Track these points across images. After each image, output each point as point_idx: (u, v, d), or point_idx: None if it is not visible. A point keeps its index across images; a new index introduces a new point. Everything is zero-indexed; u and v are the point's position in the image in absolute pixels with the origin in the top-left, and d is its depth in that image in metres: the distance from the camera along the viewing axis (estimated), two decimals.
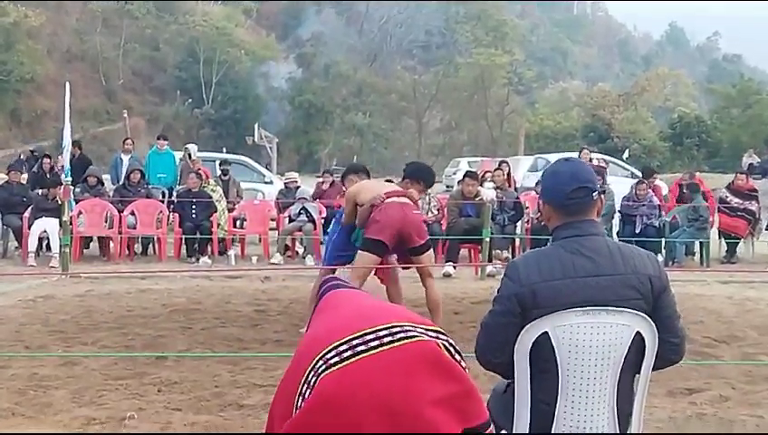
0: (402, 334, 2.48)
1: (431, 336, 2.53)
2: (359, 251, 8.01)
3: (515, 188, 16.70)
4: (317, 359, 2.47)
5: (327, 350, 2.46)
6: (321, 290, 2.96)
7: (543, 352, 3.35)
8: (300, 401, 2.47)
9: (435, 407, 2.41)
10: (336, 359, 2.44)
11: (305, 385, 2.46)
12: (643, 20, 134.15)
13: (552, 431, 3.40)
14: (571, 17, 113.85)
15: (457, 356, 2.57)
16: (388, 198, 7.90)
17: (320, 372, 2.44)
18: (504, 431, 3.44)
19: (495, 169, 16.20)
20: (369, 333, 2.47)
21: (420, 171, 8.60)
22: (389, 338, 2.46)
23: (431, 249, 8.21)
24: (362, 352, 2.44)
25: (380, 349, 2.44)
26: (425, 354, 2.47)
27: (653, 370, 3.54)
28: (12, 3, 52.61)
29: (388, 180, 9.31)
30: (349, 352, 2.44)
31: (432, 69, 71.03)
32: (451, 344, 2.57)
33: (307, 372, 2.47)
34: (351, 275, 8.02)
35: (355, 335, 2.47)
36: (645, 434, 3.67)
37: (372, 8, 76.23)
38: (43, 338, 8.12)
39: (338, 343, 2.47)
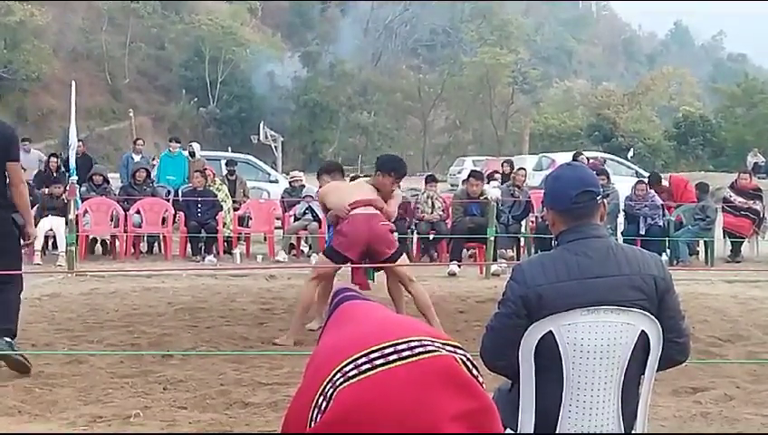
0: (421, 349, 2.48)
1: (449, 351, 2.53)
2: (321, 253, 8.21)
3: None
4: (335, 371, 2.46)
5: (345, 362, 2.46)
6: (334, 301, 2.95)
7: (548, 352, 3.37)
8: (316, 412, 2.47)
9: (452, 423, 2.42)
10: (354, 372, 2.43)
11: (321, 397, 2.46)
12: (648, 19, 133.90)
13: (557, 431, 3.41)
14: (575, 16, 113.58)
15: (475, 371, 2.57)
16: (353, 209, 7.93)
17: (337, 384, 2.43)
18: (509, 430, 3.45)
19: (519, 169, 16.39)
20: (388, 347, 2.47)
21: (389, 162, 8.58)
22: (408, 352, 2.46)
23: (404, 254, 8.19)
24: (381, 365, 2.44)
25: (399, 363, 2.44)
26: (443, 369, 2.47)
27: (658, 370, 3.55)
28: (18, 1, 52.64)
29: (355, 176, 9.33)
30: (367, 366, 2.44)
31: (437, 68, 71.06)
32: (469, 359, 2.57)
33: (324, 384, 2.47)
34: (311, 273, 8.28)
35: (373, 349, 2.47)
36: (649, 434, 3.68)
37: (377, 7, 76.16)
38: (49, 336, 8.15)
39: (356, 356, 2.46)
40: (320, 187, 9.00)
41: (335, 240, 8.07)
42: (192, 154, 18.02)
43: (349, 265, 8.32)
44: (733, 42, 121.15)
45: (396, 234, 8.92)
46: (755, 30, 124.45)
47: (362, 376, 2.42)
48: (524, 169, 16.68)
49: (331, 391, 2.43)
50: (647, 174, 22.87)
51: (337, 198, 8.14)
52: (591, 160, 18.74)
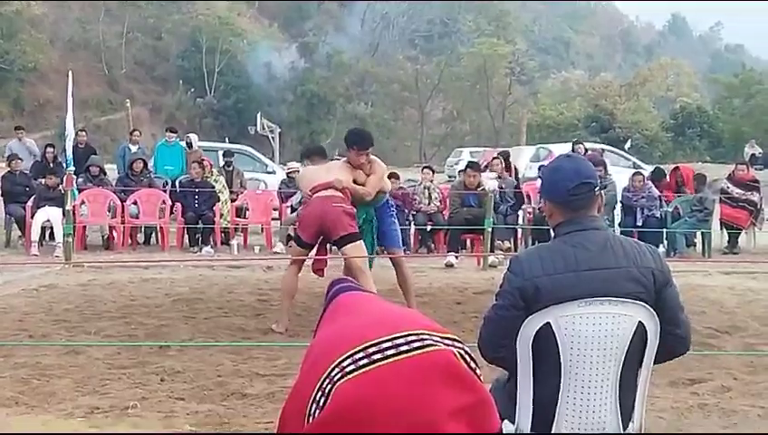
0: (418, 343, 2.47)
1: (447, 345, 2.53)
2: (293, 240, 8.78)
3: (517, 178, 16.71)
4: (332, 366, 2.45)
5: (342, 357, 2.45)
6: (330, 292, 2.94)
7: (546, 343, 3.36)
8: (314, 407, 2.46)
9: (450, 418, 2.41)
10: (352, 367, 2.42)
11: (319, 392, 2.45)
12: (645, 10, 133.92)
13: (555, 422, 3.41)
14: (573, 7, 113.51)
15: (472, 364, 2.57)
16: (314, 193, 8.12)
17: (335, 380, 2.42)
18: (507, 422, 3.44)
19: (493, 159, 16.26)
20: (385, 342, 2.46)
21: (350, 136, 8.68)
22: (406, 347, 2.45)
23: (359, 242, 8.14)
24: (378, 360, 2.43)
25: (396, 358, 2.44)
26: (441, 364, 2.47)
27: (658, 363, 3.56)
28: None
29: (335, 158, 9.48)
30: (365, 361, 2.43)
31: (434, 59, 70.97)
32: (466, 352, 2.57)
33: (322, 379, 2.46)
34: (289, 261, 8.53)
35: (371, 343, 2.46)
36: (647, 434, 3.68)
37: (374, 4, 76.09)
38: (46, 327, 8.13)
39: (353, 350, 2.45)
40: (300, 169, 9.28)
41: (297, 224, 8.69)
42: (189, 145, 17.97)
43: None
44: (730, 33, 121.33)
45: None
46: (753, 21, 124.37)
47: (360, 372, 2.41)
48: (500, 159, 16.49)
49: (329, 387, 2.42)
50: (644, 165, 22.87)
51: (306, 182, 8.40)
52: (589, 153, 18.72)
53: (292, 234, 15.19)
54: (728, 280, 12.18)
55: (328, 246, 8.57)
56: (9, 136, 21.20)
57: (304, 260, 8.41)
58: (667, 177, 17.19)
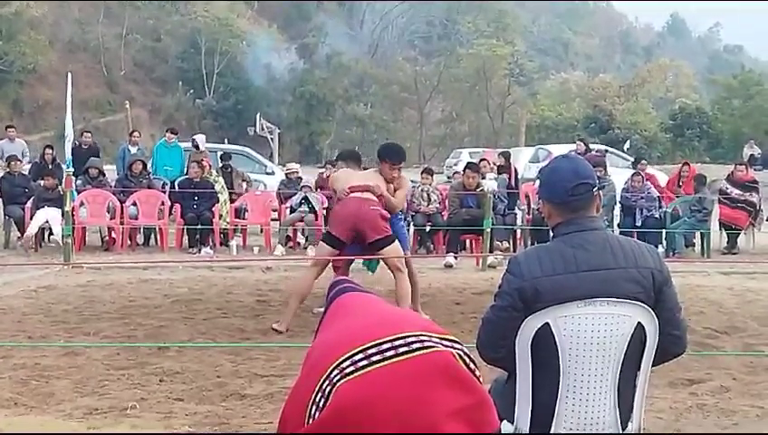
0: (418, 345, 2.47)
1: (446, 346, 2.52)
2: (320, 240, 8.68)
3: (516, 179, 16.70)
4: (332, 368, 2.45)
5: (342, 359, 2.45)
6: (331, 293, 2.94)
7: (545, 344, 3.36)
8: (313, 408, 2.45)
9: (450, 419, 2.41)
10: (351, 368, 2.42)
11: (319, 393, 2.45)
12: (644, 11, 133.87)
13: (554, 422, 3.41)
14: (572, 8, 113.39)
15: (472, 365, 2.56)
16: (351, 192, 8.23)
17: (335, 381, 2.42)
18: (506, 422, 3.44)
19: (481, 160, 16.31)
20: (385, 343, 2.46)
21: (383, 150, 8.88)
22: (405, 348, 2.45)
23: (395, 242, 8.29)
24: (378, 362, 2.42)
25: (396, 359, 2.43)
26: (441, 366, 2.47)
27: (656, 364, 3.55)
28: None
29: (365, 168, 9.53)
30: (364, 362, 2.42)
31: (433, 60, 70.95)
32: (466, 354, 2.57)
33: (321, 380, 2.45)
34: (311, 261, 8.59)
35: (370, 345, 2.46)
36: (646, 434, 3.68)
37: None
38: (45, 328, 8.14)
39: (353, 351, 2.45)
40: (334, 171, 9.41)
41: (329, 222, 8.69)
42: (197, 146, 17.95)
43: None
44: (729, 34, 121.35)
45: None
46: (752, 22, 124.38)
47: (359, 373, 2.41)
48: (486, 160, 16.60)
49: (329, 388, 2.42)
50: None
51: (342, 183, 8.42)
52: (591, 153, 18.78)
53: (291, 235, 15.34)
54: (727, 280, 12.18)
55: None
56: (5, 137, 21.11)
57: (327, 263, 8.42)
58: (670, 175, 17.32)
